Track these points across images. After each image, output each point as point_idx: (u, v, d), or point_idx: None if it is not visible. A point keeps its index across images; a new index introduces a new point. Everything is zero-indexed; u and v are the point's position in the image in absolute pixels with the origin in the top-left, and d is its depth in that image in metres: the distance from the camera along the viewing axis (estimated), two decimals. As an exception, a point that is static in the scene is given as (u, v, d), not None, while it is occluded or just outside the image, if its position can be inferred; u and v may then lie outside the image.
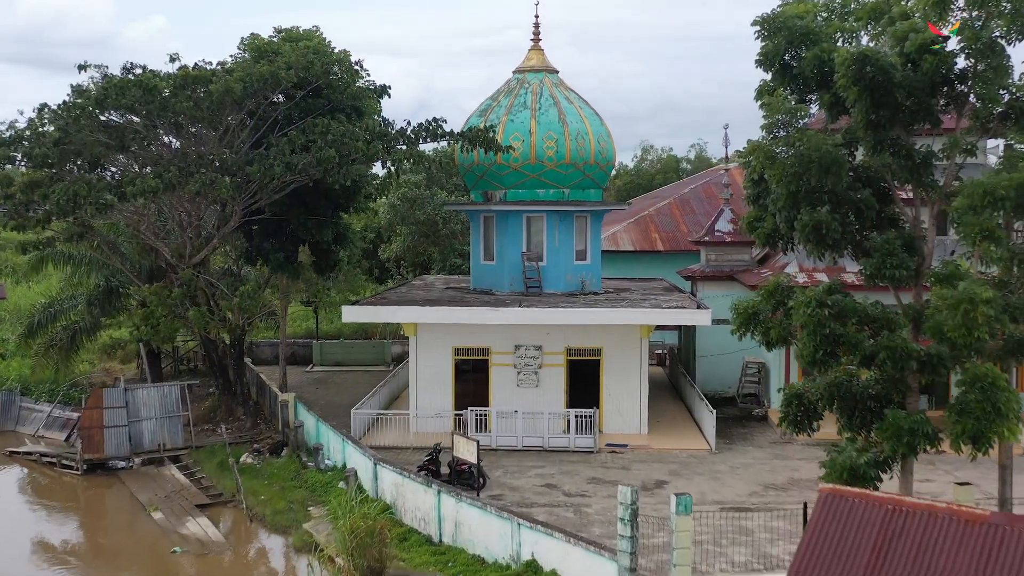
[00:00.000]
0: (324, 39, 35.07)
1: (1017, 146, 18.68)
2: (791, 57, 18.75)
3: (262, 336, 47.96)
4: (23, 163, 31.91)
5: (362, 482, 26.54)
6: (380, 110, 35.77)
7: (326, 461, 29.41)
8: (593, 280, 34.97)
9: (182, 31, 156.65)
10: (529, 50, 36.08)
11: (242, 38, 34.77)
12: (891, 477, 17.58)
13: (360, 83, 34.42)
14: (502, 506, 22.91)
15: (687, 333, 40.07)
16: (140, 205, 33.06)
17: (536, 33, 36.15)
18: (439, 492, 23.29)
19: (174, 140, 33.61)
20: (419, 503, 24.01)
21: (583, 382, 31.72)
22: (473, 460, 25.31)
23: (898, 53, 17.20)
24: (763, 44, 18.79)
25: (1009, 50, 17.36)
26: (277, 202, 32.72)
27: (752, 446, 31.07)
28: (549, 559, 20.10)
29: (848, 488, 13.28)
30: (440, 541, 23.15)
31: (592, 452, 29.82)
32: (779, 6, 19.28)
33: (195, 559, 24.85)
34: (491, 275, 34.85)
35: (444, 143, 34.67)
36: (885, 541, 12.01)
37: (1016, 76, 17.55)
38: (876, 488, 16.65)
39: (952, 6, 17.27)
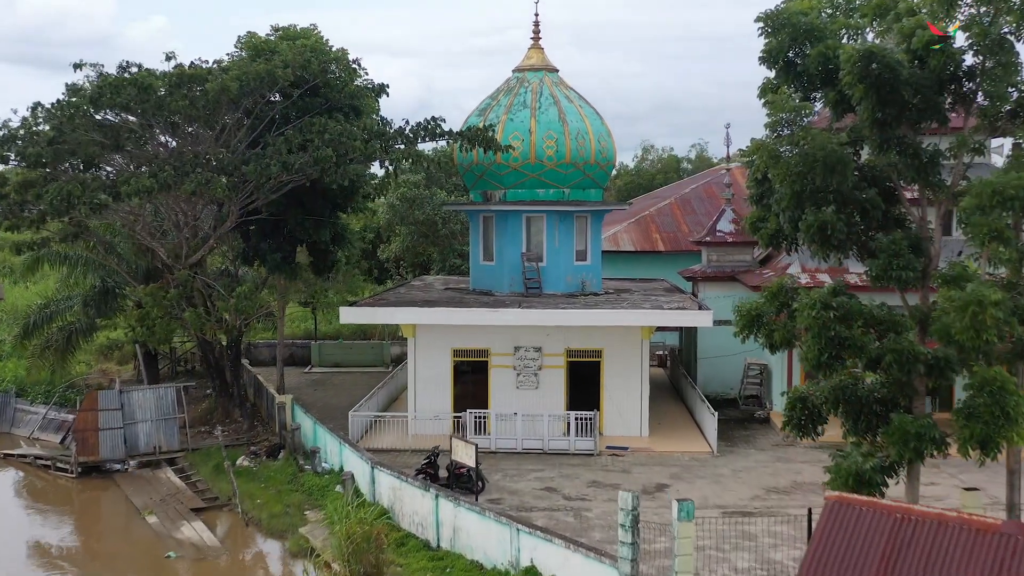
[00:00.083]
0: (322, 38, 34.83)
1: (1026, 145, 18.44)
2: (795, 54, 18.52)
3: (260, 337, 47.71)
4: (17, 162, 31.62)
5: (359, 486, 26.24)
6: (378, 109, 35.47)
7: (323, 464, 29.11)
8: (593, 281, 34.66)
9: (182, 31, 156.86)
10: (529, 49, 35.76)
11: (239, 36, 34.53)
12: (897, 482, 17.29)
13: (358, 82, 34.09)
14: (501, 511, 22.61)
15: (688, 334, 39.81)
16: (135, 205, 32.78)
17: (536, 32, 35.82)
18: (437, 496, 22.96)
19: (170, 139, 33.32)
20: (417, 507, 23.69)
21: (583, 384, 31.44)
22: (472, 463, 25.02)
23: (905, 50, 16.98)
24: (767, 41, 18.56)
25: (1018, 47, 17.13)
26: (274, 202, 32.44)
27: (754, 449, 30.81)
28: (548, 565, 19.78)
29: (855, 496, 12.98)
30: (438, 546, 22.82)
31: (592, 455, 29.53)
32: (783, 2, 19.02)
33: (190, 564, 24.56)
34: (490, 276, 34.55)
35: (443, 142, 34.37)
36: (894, 551, 11.70)
37: (1025, 74, 17.31)
38: (882, 494, 16.35)
39: (960, 2, 17.00)
